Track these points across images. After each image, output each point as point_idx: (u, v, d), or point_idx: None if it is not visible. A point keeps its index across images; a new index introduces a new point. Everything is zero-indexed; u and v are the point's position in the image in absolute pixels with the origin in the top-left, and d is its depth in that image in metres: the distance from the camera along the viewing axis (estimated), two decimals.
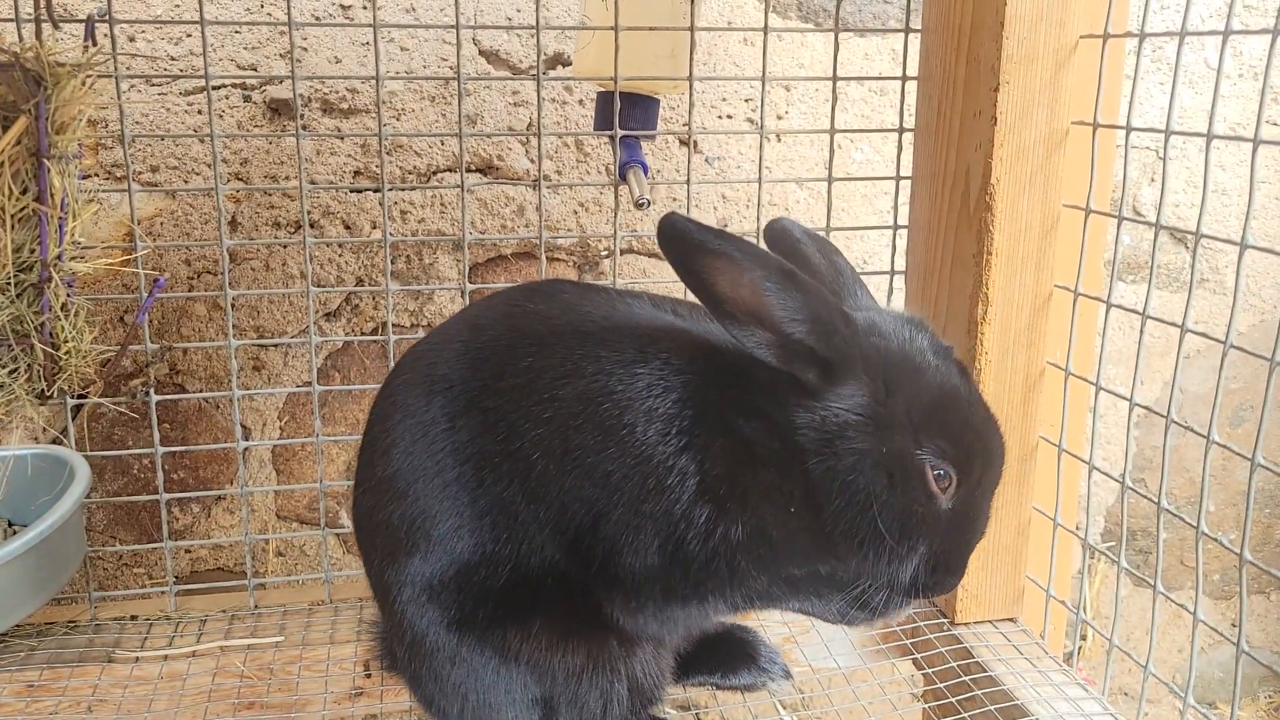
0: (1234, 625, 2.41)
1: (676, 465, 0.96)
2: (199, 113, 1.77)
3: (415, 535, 1.04)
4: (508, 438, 1.01)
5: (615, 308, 1.08)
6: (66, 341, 1.23)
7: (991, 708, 1.27)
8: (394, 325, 1.69)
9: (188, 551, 1.91)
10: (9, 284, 1.18)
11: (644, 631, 1.07)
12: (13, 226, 1.16)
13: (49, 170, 1.17)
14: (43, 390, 1.25)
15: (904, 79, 1.52)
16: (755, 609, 1.12)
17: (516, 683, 1.06)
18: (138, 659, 1.37)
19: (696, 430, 0.97)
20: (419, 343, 1.15)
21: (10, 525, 1.41)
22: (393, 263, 1.87)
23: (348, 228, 1.85)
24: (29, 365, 1.22)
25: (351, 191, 1.84)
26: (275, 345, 1.86)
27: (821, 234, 1.14)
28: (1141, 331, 1.23)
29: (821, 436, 0.94)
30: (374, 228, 1.85)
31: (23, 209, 1.16)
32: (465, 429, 1.03)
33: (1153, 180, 2.22)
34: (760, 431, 0.97)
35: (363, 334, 1.90)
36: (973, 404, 0.99)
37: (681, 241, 0.92)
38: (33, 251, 1.19)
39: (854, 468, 0.94)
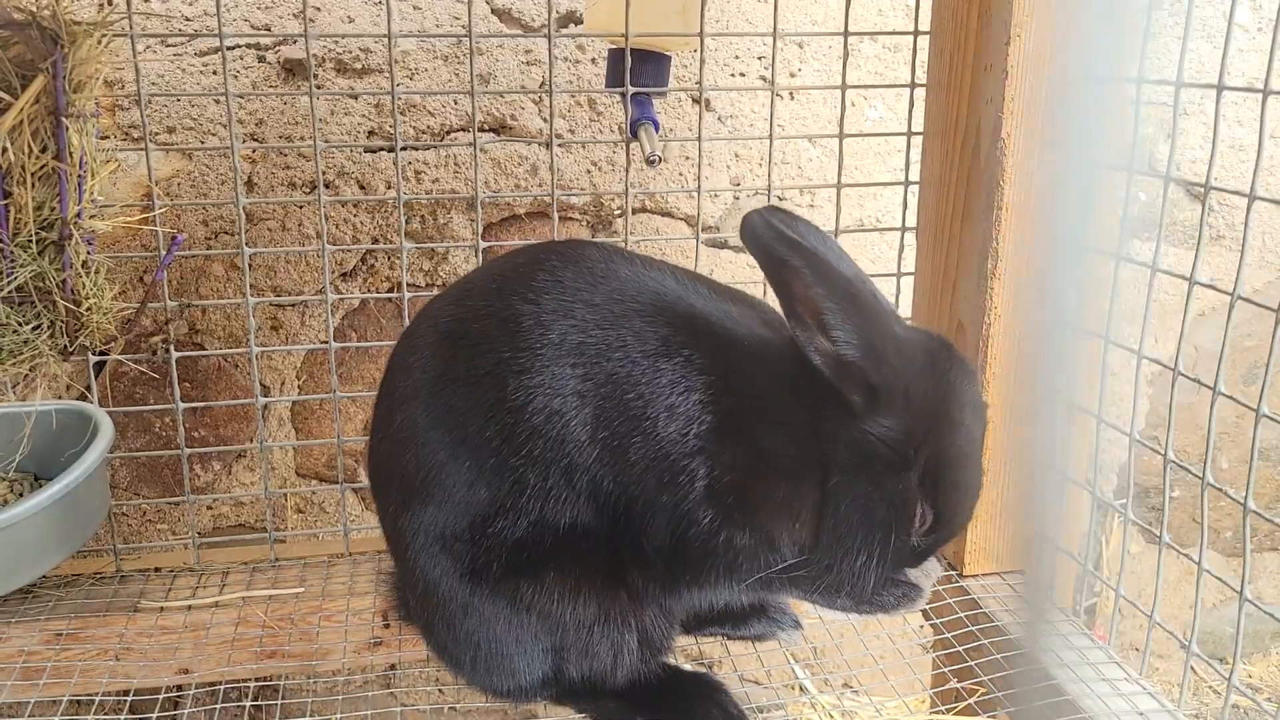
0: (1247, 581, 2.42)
1: (688, 466, 1.00)
2: (214, 73, 1.78)
3: (431, 485, 1.06)
4: (538, 405, 1.02)
5: (643, 283, 1.09)
6: (88, 298, 1.25)
7: (998, 657, 1.29)
8: (409, 284, 1.70)
9: (209, 508, 1.95)
10: (31, 241, 1.20)
11: (664, 605, 1.11)
12: (33, 185, 1.18)
13: (67, 128, 1.18)
14: (65, 346, 1.27)
15: (916, 34, 1.52)
16: (762, 597, 1.16)
17: (528, 633, 1.08)
18: (162, 609, 1.40)
19: (713, 435, 1.01)
20: (442, 295, 1.16)
21: (36, 479, 1.44)
22: (407, 222, 1.88)
23: (362, 187, 1.86)
24: (52, 321, 1.25)
25: (366, 151, 1.85)
26: (292, 304, 1.88)
27: (822, 230, 1.15)
28: (1150, 286, 1.24)
29: (850, 457, 0.99)
30: (388, 187, 1.86)
31: (42, 167, 1.18)
32: (490, 388, 1.04)
33: (1169, 137, 2.20)
34: (780, 440, 1.01)
35: (378, 293, 1.92)
36: (976, 467, 1.05)
37: (758, 244, 0.97)
38: (53, 209, 1.21)
39: (868, 493, 1.00)
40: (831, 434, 0.99)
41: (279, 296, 1.87)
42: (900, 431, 0.99)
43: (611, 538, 1.04)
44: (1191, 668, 1.20)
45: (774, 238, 0.96)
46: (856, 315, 0.97)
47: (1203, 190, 1.13)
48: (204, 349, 1.87)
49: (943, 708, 1.37)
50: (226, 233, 1.84)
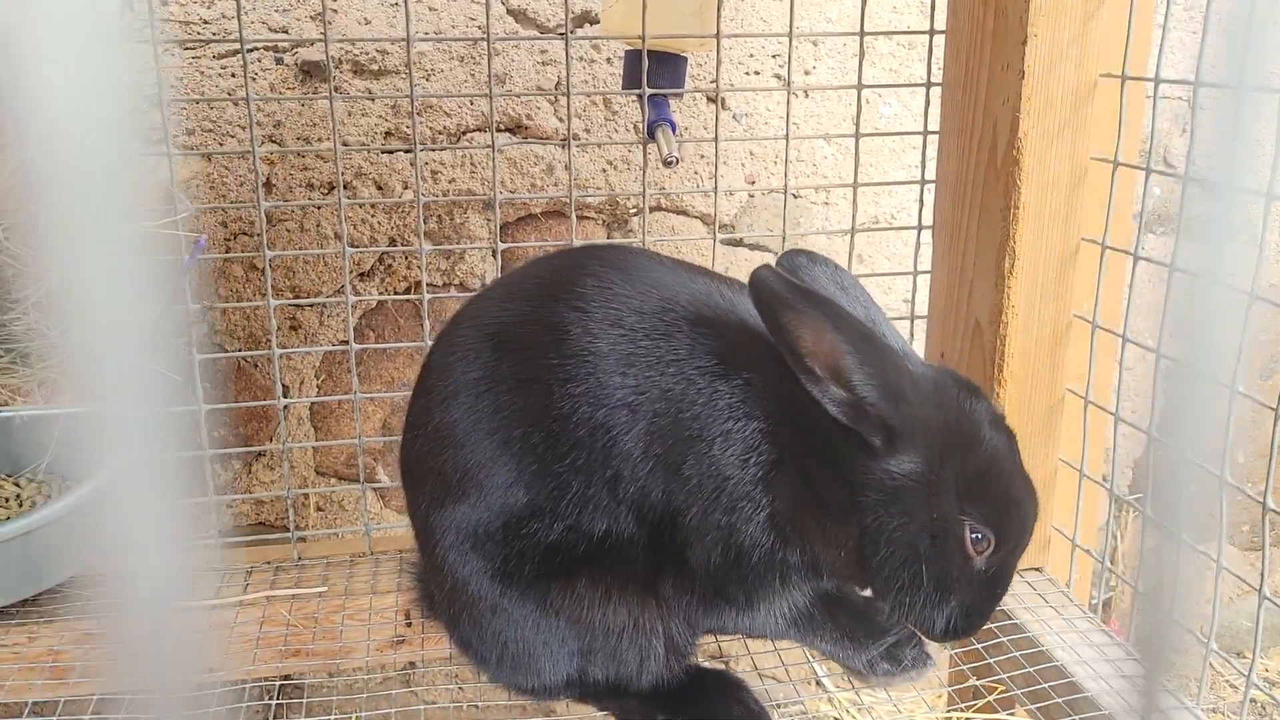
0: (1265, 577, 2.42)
1: (752, 494, 1.02)
2: (232, 76, 1.79)
3: (467, 484, 1.06)
4: (584, 414, 1.03)
5: (692, 291, 1.09)
6: None
7: (1017, 654, 1.29)
8: (427, 285, 1.72)
9: (229, 507, 1.96)
10: None
11: (691, 618, 1.12)
12: None
13: None
14: None
15: (931, 33, 1.52)
16: (793, 637, 1.17)
17: (555, 635, 1.08)
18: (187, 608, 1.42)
19: (774, 466, 1.02)
20: (482, 296, 1.16)
21: (64, 481, 1.46)
22: (424, 223, 1.89)
23: (379, 188, 1.87)
24: None
25: (383, 153, 1.86)
26: (311, 305, 1.90)
27: (844, 270, 1.16)
28: (1169, 283, 1.24)
29: (879, 497, 1.00)
30: (405, 188, 1.88)
31: None
32: (536, 395, 1.04)
33: (1184, 131, 2.20)
34: (829, 481, 1.02)
35: (396, 293, 1.94)
36: (1015, 475, 1.04)
37: (768, 296, 0.97)
38: None
39: (903, 527, 1.00)
40: (866, 481, 1.01)
41: (298, 297, 1.89)
42: (921, 463, 1.00)
43: (650, 547, 1.05)
44: (1206, 661, 1.20)
45: (785, 287, 0.96)
46: (874, 359, 0.97)
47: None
48: (224, 350, 1.89)
49: (961, 705, 1.38)
50: (245, 234, 1.86)
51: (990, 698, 1.26)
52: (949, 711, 1.39)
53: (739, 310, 1.08)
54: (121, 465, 0.38)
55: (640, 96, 1.49)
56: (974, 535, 1.00)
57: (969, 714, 1.31)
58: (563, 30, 1.75)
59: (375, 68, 1.84)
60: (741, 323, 1.06)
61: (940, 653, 1.23)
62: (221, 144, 1.81)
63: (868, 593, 1.15)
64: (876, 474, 1.00)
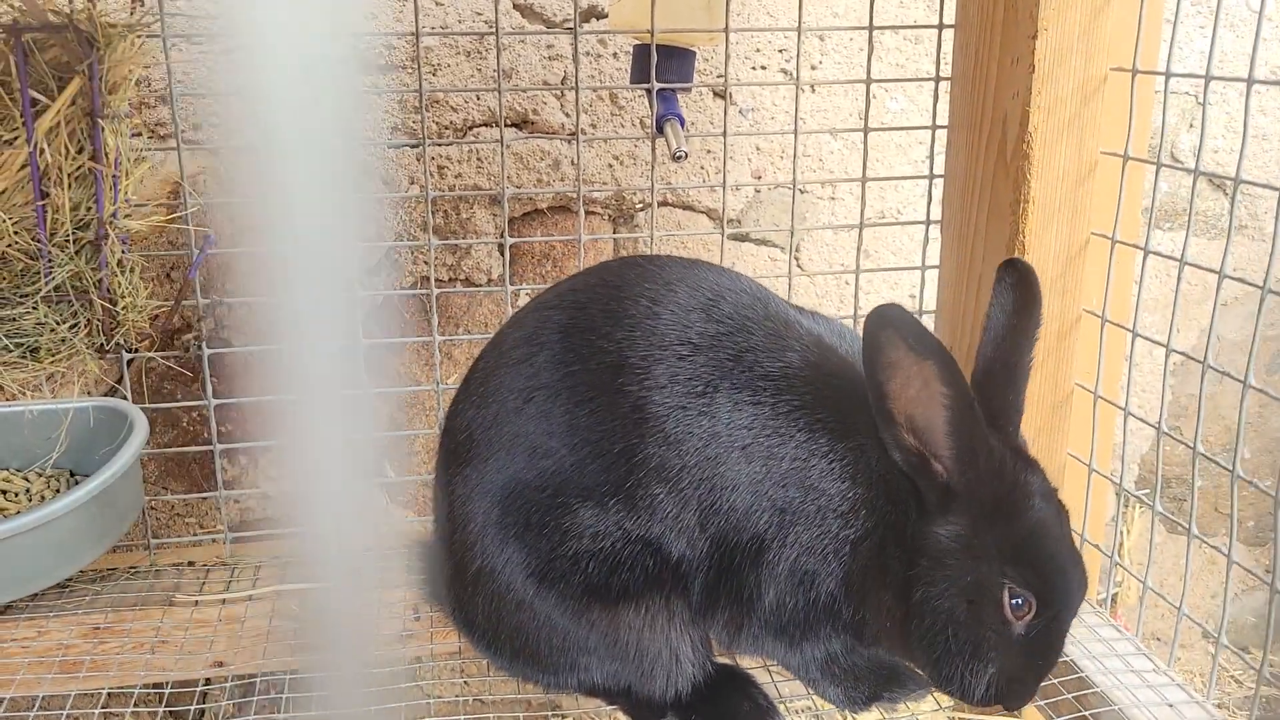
0: (1268, 570, 2.42)
1: (841, 553, 1.02)
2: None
3: (548, 485, 1.04)
4: (696, 446, 1.02)
5: (814, 336, 1.07)
6: (124, 297, 1.27)
7: None
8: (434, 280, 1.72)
9: (237, 502, 1.97)
10: (68, 241, 1.22)
11: (733, 644, 1.12)
12: (70, 185, 1.20)
13: (103, 129, 1.20)
14: (102, 344, 1.29)
15: (940, 27, 1.52)
16: (817, 679, 1.16)
17: (584, 646, 1.07)
18: (197, 602, 1.42)
19: (868, 534, 1.02)
20: (549, 303, 1.11)
21: (73, 475, 1.46)
22: (431, 218, 1.89)
23: (385, 183, 1.87)
24: (88, 320, 1.26)
25: (390, 148, 1.86)
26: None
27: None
28: (1179, 278, 1.24)
29: (928, 564, 1.00)
30: (412, 183, 1.87)
31: (79, 168, 1.19)
32: (644, 418, 1.02)
33: (1191, 126, 2.20)
34: (894, 550, 1.02)
35: (402, 288, 1.94)
36: (1060, 541, 1.02)
37: (893, 329, 0.94)
38: (89, 209, 1.23)
39: (944, 593, 0.99)
40: (915, 542, 1.00)
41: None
42: (965, 525, 0.99)
43: (715, 577, 1.04)
44: (1216, 658, 1.20)
45: (915, 326, 0.94)
46: (967, 424, 0.97)
47: (1226, 182, 1.13)
48: (231, 344, 1.89)
49: None
50: (252, 229, 1.85)
51: None
52: (956, 703, 1.39)
53: (852, 364, 1.07)
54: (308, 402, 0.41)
55: (649, 91, 1.49)
56: (1014, 600, 0.98)
57: (976, 707, 1.31)
58: (570, 25, 1.75)
59: (381, 62, 1.84)
60: (851, 386, 1.04)
61: None
62: (229, 139, 1.81)
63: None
64: (928, 537, 1.00)
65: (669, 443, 1.01)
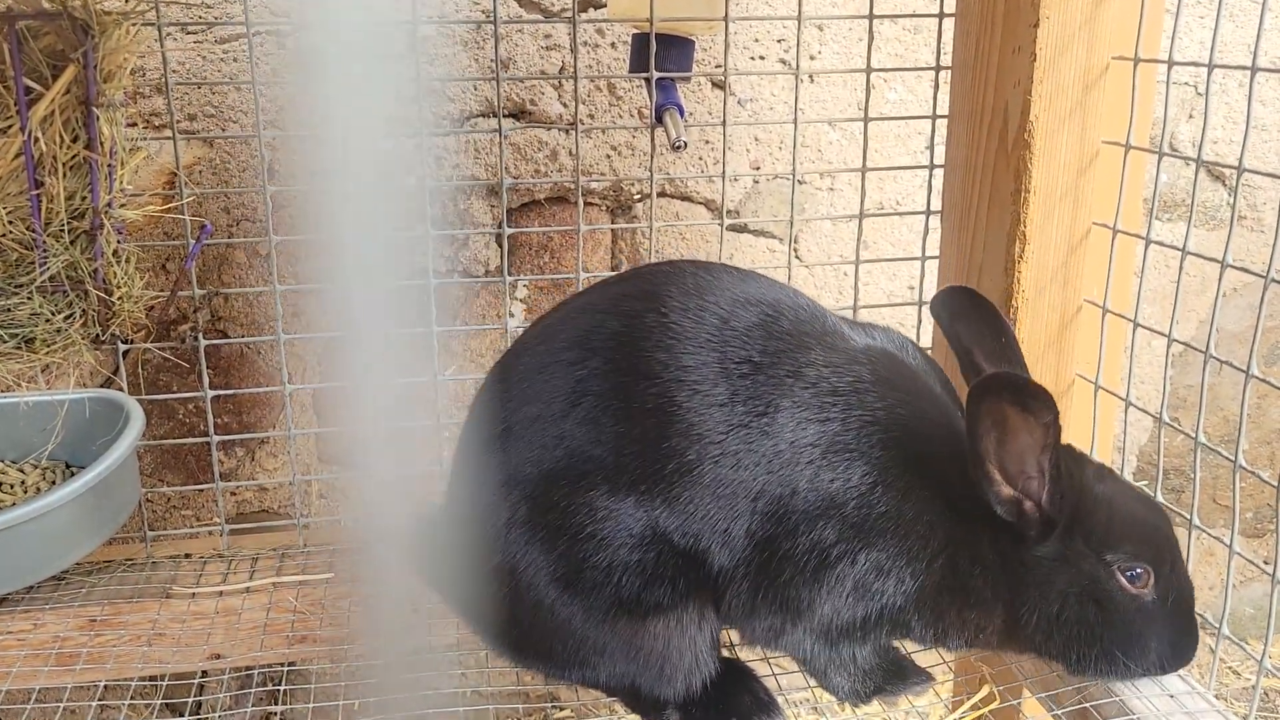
0: (1267, 561, 2.42)
1: (903, 574, 1.02)
2: (234, 60, 1.78)
3: (581, 484, 1.02)
4: (734, 468, 1.01)
5: (869, 352, 1.06)
6: (119, 287, 1.26)
7: None
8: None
9: (233, 494, 1.96)
10: (63, 231, 1.21)
11: (768, 644, 1.12)
12: (64, 174, 1.19)
13: (98, 118, 1.19)
14: (97, 335, 1.28)
15: (940, 16, 1.51)
16: (841, 674, 1.16)
17: (602, 649, 1.06)
18: (194, 595, 1.42)
19: (935, 556, 1.02)
20: (613, 302, 1.09)
21: (69, 466, 1.46)
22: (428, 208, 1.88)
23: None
24: (84, 310, 1.25)
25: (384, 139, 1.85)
26: (312, 291, 1.89)
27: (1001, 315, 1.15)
28: (1181, 269, 1.24)
29: (1031, 589, 1.02)
30: (409, 173, 1.86)
31: (74, 157, 1.18)
32: (681, 440, 1.00)
33: (1191, 116, 2.19)
34: (980, 580, 1.03)
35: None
36: (1134, 501, 1.04)
37: (1010, 387, 0.94)
38: (84, 199, 1.21)
39: (1063, 609, 1.01)
40: (1019, 576, 1.02)
41: (300, 283, 1.88)
42: (1059, 538, 1.01)
43: (757, 581, 1.03)
44: (1216, 649, 1.20)
45: (1034, 386, 0.94)
46: (1071, 472, 1.00)
47: (1225, 171, 1.12)
48: (227, 336, 1.88)
49: (967, 692, 1.38)
50: (248, 220, 1.85)
51: (997, 686, 1.25)
52: (954, 699, 1.39)
53: (920, 376, 1.07)
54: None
55: (647, 81, 1.48)
56: (1129, 574, 1.01)
57: (975, 701, 1.31)
58: (568, 14, 1.74)
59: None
60: (928, 427, 1.04)
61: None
62: (224, 129, 1.80)
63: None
64: (1027, 563, 1.01)
65: (726, 460, 1.00)
